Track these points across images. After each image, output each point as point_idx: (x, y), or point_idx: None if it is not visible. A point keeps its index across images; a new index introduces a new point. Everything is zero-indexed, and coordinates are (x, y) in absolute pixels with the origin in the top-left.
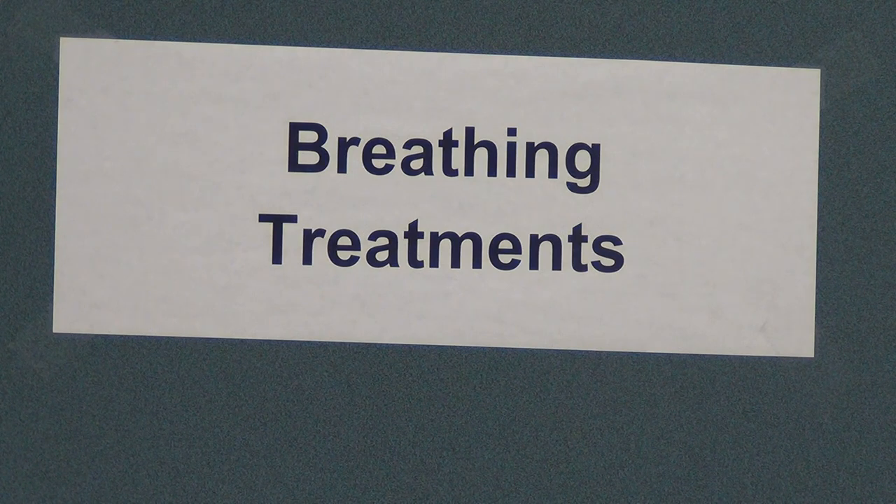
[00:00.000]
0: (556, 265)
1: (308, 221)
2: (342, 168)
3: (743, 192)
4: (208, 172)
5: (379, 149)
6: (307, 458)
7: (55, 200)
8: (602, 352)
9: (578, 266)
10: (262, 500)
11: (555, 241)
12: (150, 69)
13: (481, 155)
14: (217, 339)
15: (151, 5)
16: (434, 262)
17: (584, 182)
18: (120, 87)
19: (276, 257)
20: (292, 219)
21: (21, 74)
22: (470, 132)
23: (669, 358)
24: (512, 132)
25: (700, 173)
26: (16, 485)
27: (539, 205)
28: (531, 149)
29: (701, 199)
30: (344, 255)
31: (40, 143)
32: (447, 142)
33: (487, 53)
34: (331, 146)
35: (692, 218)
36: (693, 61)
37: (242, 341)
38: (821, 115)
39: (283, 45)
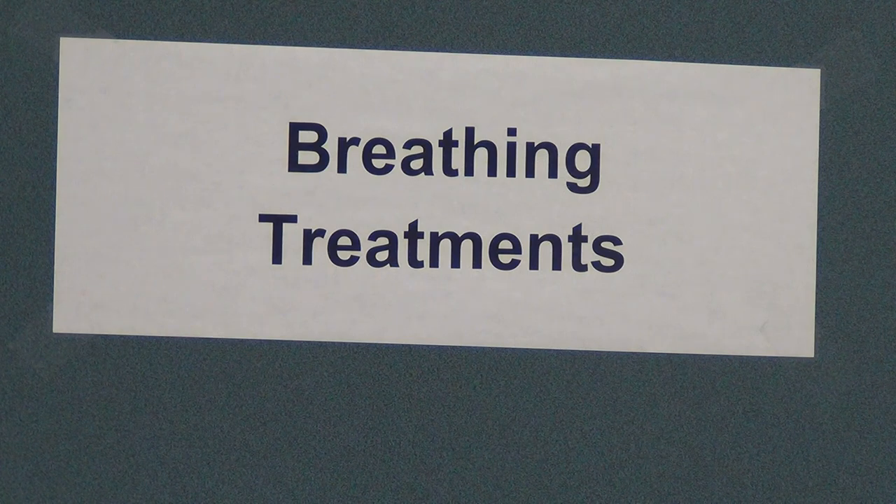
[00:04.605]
0: (556, 265)
1: (308, 221)
2: (342, 168)
3: (743, 192)
4: (208, 172)
5: (379, 149)
6: (307, 458)
7: (55, 200)
8: (602, 352)
9: (578, 266)
10: (262, 500)
11: (555, 241)
12: (150, 69)
13: (481, 155)
14: (217, 339)
15: (151, 5)
16: (434, 262)
17: (584, 182)
18: (120, 87)
19: (276, 257)
20: (292, 219)
21: (21, 74)
22: (470, 132)
23: (669, 358)
24: (512, 132)
25: (700, 173)
26: (16, 485)
27: (539, 205)
28: (531, 149)
29: (701, 199)
30: (344, 255)
31: (40, 143)
32: (447, 142)
33: (487, 53)
34: (331, 146)
35: (692, 218)
36: (693, 61)
37: (242, 341)
38: (821, 115)
39: (283, 45)
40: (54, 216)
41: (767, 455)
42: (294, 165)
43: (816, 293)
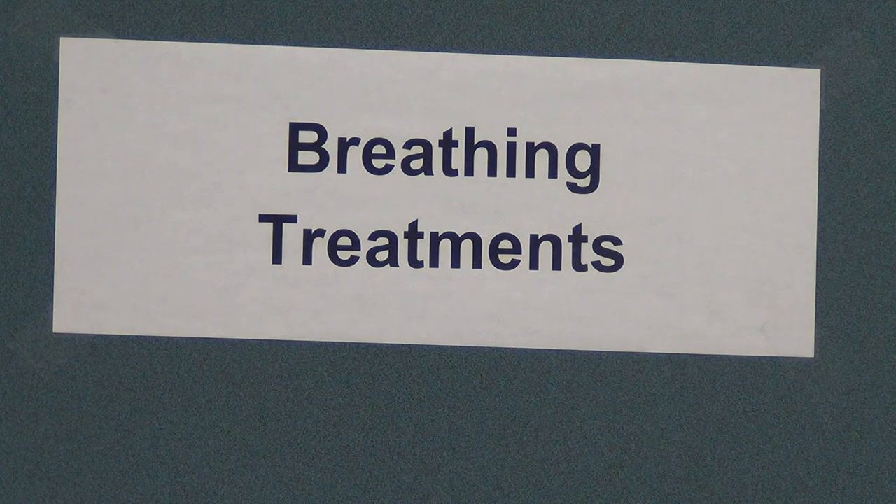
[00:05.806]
0: (556, 265)
1: (308, 221)
2: (342, 168)
3: (743, 192)
4: (208, 172)
5: (379, 149)
6: (307, 458)
7: (55, 200)
8: (602, 352)
9: (578, 266)
10: (262, 500)
11: (555, 241)
12: (150, 69)
13: (481, 155)
14: (217, 339)
15: (151, 5)
16: (434, 262)
17: (584, 182)
18: (120, 87)
19: (276, 257)
20: (292, 219)
21: (21, 74)
22: (470, 132)
23: (669, 358)
24: (512, 132)
25: (700, 173)
26: (16, 485)
27: (539, 205)
28: (531, 149)
29: (701, 199)
30: (344, 255)
31: (40, 143)
32: (447, 142)
33: (487, 53)
34: (331, 146)
35: (692, 218)
36: (693, 61)
37: (242, 341)
38: (821, 115)
39: (283, 45)
40: (54, 216)
41: (767, 455)
42: (294, 165)
43: (816, 293)
